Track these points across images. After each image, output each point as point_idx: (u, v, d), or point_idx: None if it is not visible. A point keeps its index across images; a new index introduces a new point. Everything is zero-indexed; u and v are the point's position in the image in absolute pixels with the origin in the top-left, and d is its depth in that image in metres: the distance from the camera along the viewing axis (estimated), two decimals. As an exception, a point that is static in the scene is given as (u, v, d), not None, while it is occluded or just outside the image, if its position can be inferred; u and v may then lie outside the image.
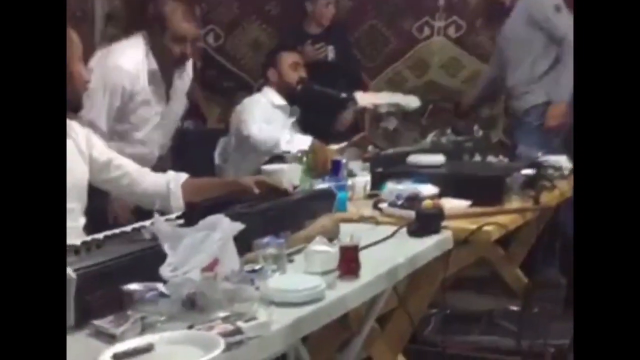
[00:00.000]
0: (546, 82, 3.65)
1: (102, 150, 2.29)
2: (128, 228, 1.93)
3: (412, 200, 2.35)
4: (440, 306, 2.96)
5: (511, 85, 3.79)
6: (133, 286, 1.49)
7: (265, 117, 3.56)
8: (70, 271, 1.44)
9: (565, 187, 2.85)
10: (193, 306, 1.50)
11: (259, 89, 3.88)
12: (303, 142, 3.32)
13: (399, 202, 2.37)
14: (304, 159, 2.84)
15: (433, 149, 3.06)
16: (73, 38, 2.11)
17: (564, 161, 3.10)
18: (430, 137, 3.37)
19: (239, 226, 1.60)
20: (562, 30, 3.53)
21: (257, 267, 1.66)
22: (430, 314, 3.11)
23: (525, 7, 3.66)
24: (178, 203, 2.25)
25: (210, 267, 1.57)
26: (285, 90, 3.66)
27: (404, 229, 2.14)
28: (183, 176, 2.33)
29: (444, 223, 2.19)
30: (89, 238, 1.89)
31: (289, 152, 3.15)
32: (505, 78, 3.82)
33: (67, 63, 2.06)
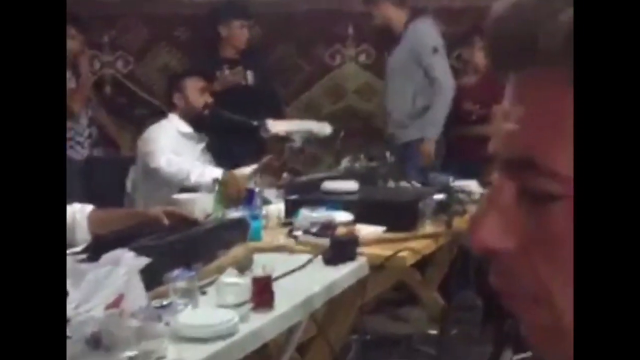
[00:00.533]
0: (423, 118, 3.86)
1: None
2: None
3: (327, 228, 2.31)
4: (360, 332, 2.93)
5: (394, 115, 3.99)
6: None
7: (173, 146, 3.43)
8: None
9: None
10: (98, 346, 1.41)
11: (165, 116, 3.78)
12: (215, 172, 3.24)
13: (314, 230, 2.34)
14: (216, 187, 2.77)
15: (347, 175, 3.04)
16: None
17: (474, 186, 3.15)
18: (343, 163, 3.36)
19: (144, 260, 1.53)
20: (436, 71, 3.77)
21: (165, 302, 1.59)
22: (350, 341, 3.07)
23: (410, 42, 3.84)
24: (84, 235, 2.15)
25: (116, 303, 1.50)
26: (191, 116, 3.55)
27: (319, 257, 2.10)
28: (89, 207, 2.23)
29: (359, 250, 2.17)
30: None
31: (201, 184, 3.06)
32: (389, 107, 4.03)
33: None
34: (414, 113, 3.89)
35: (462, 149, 3.87)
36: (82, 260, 1.63)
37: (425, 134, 3.83)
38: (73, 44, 4.22)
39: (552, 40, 0.42)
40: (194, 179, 3.23)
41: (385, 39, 4.09)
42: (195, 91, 3.55)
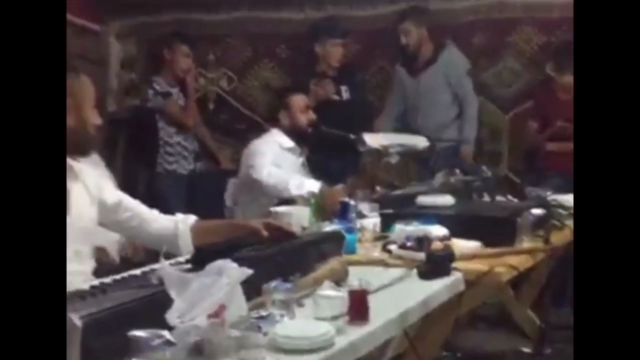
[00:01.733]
0: (451, 129, 4.32)
1: (111, 192, 2.26)
2: (137, 271, 1.89)
3: (422, 242, 2.29)
4: (452, 348, 2.87)
5: (419, 126, 4.29)
6: (139, 333, 1.44)
7: (274, 160, 3.52)
8: (75, 318, 1.40)
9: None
10: (200, 354, 1.45)
11: (267, 131, 3.85)
12: (312, 185, 3.28)
13: (409, 244, 2.31)
14: (312, 201, 2.80)
15: (442, 189, 3.00)
16: (86, 83, 2.10)
17: (572, 200, 3.04)
18: (438, 177, 3.32)
19: (246, 271, 1.55)
20: (467, 88, 4.33)
21: (264, 313, 1.61)
22: (442, 357, 3.02)
23: (444, 65, 4.33)
24: (187, 245, 2.21)
25: (218, 313, 1.52)
26: (295, 132, 3.63)
27: (414, 272, 2.08)
28: (192, 218, 2.29)
29: (455, 265, 2.13)
30: (97, 282, 1.85)
31: (299, 196, 3.10)
32: (420, 122, 4.36)
33: (79, 107, 2.05)
34: (446, 123, 4.32)
35: (558, 163, 3.91)
36: (187, 270, 1.67)
37: (463, 138, 4.28)
38: (185, 62, 4.37)
39: None
40: (293, 190, 3.29)
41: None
42: (300, 108, 3.63)
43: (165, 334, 1.43)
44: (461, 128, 4.31)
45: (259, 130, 4.68)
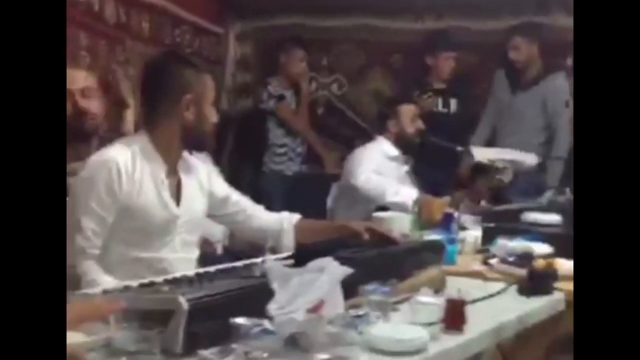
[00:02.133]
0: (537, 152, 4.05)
1: (221, 186, 2.35)
2: (239, 264, 1.96)
3: (525, 258, 2.26)
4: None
5: (500, 145, 4.10)
6: (240, 320, 1.50)
7: (377, 167, 3.56)
8: (182, 301, 1.47)
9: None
10: (296, 346, 1.49)
11: (373, 139, 3.89)
12: (410, 194, 3.29)
13: (510, 259, 2.29)
14: (415, 209, 2.81)
15: (549, 208, 2.95)
16: (207, 81, 2.17)
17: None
18: (547, 195, 3.25)
19: (347, 270, 1.59)
20: (563, 120, 4.06)
21: (361, 312, 1.64)
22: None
23: (545, 90, 4.14)
24: (289, 242, 2.27)
25: (316, 308, 1.56)
26: (402, 141, 3.66)
27: (514, 287, 2.06)
28: (296, 217, 2.35)
29: (557, 284, 2.09)
30: (202, 270, 1.94)
31: (395, 204, 3.11)
32: (497, 136, 4.18)
33: (199, 104, 2.13)
34: (529, 148, 4.00)
35: None
36: (289, 266, 1.72)
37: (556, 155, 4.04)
38: (300, 66, 4.45)
39: None
40: (388, 197, 3.31)
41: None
42: (408, 118, 3.66)
43: (265, 323, 1.49)
44: (546, 156, 4.06)
45: (364, 136, 4.74)
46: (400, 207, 2.85)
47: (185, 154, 2.22)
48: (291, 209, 2.42)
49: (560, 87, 4.16)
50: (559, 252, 2.37)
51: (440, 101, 4.21)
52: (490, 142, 4.18)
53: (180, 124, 2.11)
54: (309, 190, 3.80)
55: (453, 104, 4.28)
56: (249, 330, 1.49)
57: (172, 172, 2.17)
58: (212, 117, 2.18)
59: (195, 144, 2.22)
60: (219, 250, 3.14)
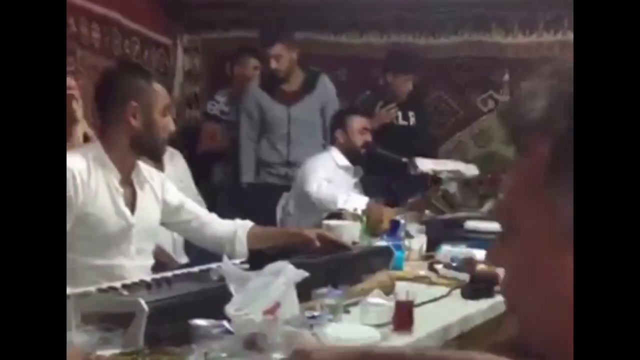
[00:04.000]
0: None
1: (175, 194, 2.37)
2: (196, 269, 2.01)
3: (467, 264, 2.36)
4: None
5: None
6: (199, 321, 1.55)
7: (328, 175, 3.63)
8: (142, 302, 1.51)
9: None
10: (253, 346, 1.54)
11: (325, 149, 3.96)
12: (359, 201, 3.37)
13: (454, 265, 2.39)
14: (363, 218, 2.89)
15: (489, 217, 3.06)
16: (159, 90, 2.20)
17: None
18: (487, 206, 3.38)
19: (302, 273, 1.65)
20: None
21: (315, 314, 1.70)
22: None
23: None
24: (243, 249, 2.31)
25: (272, 310, 1.62)
26: (349, 151, 3.74)
27: (458, 291, 2.16)
28: (249, 224, 2.40)
29: (497, 288, 2.19)
30: (159, 275, 1.97)
31: (344, 210, 3.17)
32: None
33: (148, 112, 2.15)
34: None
35: None
36: (247, 270, 1.78)
37: None
38: (254, 75, 4.35)
39: None
40: (340, 204, 3.37)
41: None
42: (357, 129, 3.73)
43: (225, 323, 1.54)
44: None
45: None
46: (353, 215, 2.92)
47: (140, 162, 2.25)
48: (242, 217, 2.46)
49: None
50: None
51: (394, 113, 4.27)
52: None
53: (128, 131, 2.13)
54: (260, 200, 3.84)
55: (412, 116, 4.36)
56: (209, 330, 1.54)
57: (127, 180, 2.19)
58: (167, 125, 2.20)
59: (147, 152, 2.25)
60: (174, 258, 3.16)
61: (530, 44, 4.63)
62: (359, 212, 2.97)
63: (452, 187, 3.38)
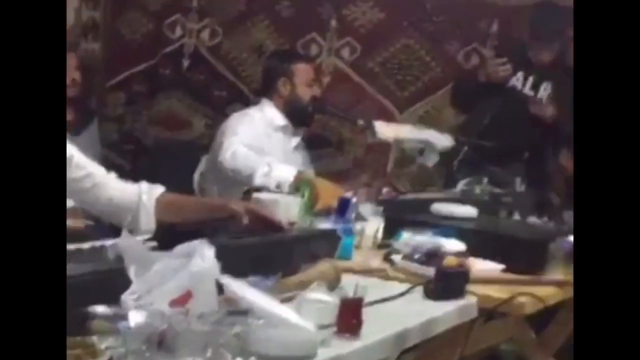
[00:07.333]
0: None
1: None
2: (87, 245, 1.98)
3: (432, 256, 2.39)
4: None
5: None
6: (100, 309, 1.53)
7: (254, 139, 3.55)
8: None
9: (619, 264, 2.89)
10: (159, 346, 1.53)
11: (255, 102, 3.91)
12: (286, 172, 3.31)
13: (416, 256, 2.42)
14: (305, 192, 2.89)
15: (464, 199, 3.11)
16: None
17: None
18: (461, 185, 3.42)
19: (225, 257, 1.64)
20: None
21: (238, 309, 1.70)
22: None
23: None
24: (150, 220, 2.27)
25: (182, 300, 1.61)
26: (293, 108, 3.69)
27: (420, 288, 2.19)
28: (159, 189, 2.35)
29: (469, 287, 2.23)
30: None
31: (264, 188, 3.10)
32: None
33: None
34: None
35: None
36: (153, 249, 1.76)
37: None
38: None
39: None
40: (257, 180, 3.31)
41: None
42: (304, 80, 3.69)
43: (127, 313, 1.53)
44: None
45: (242, 100, 4.78)
46: (291, 188, 2.91)
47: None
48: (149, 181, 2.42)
49: None
50: (472, 250, 2.52)
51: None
52: None
53: None
54: (172, 163, 3.80)
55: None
56: (112, 323, 1.52)
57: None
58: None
59: None
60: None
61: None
62: (286, 188, 2.95)
63: (432, 160, 3.39)
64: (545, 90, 4.30)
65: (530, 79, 4.26)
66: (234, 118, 3.71)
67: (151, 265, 1.66)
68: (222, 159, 3.47)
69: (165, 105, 5.19)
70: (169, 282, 1.62)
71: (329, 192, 2.95)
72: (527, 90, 4.28)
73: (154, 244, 1.89)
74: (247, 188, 3.19)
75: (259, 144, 3.56)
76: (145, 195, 2.32)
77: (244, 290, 1.67)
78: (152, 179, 2.42)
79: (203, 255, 1.65)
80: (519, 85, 4.27)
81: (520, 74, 4.25)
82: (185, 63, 5.22)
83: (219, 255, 1.71)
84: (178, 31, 5.23)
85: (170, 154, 3.98)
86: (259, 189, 3.06)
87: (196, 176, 3.76)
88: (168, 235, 1.93)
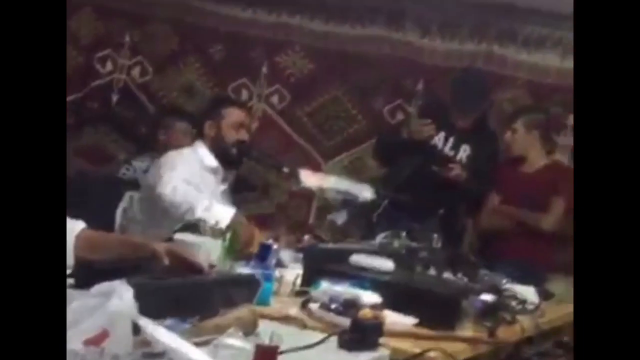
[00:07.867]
0: None
1: None
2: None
3: (349, 306, 2.40)
4: None
5: None
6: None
7: (189, 177, 3.56)
8: None
9: (527, 324, 2.94)
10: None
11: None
12: (223, 212, 3.33)
13: (333, 306, 2.42)
14: (227, 235, 2.87)
15: (382, 252, 3.12)
16: None
17: (531, 294, 3.20)
18: (380, 238, 3.44)
19: (142, 298, 1.62)
20: None
21: (153, 351, 1.68)
22: None
23: None
24: (68, 257, 2.24)
25: (97, 340, 1.59)
26: (218, 149, 3.69)
27: (335, 338, 2.18)
28: (79, 225, 2.32)
29: (382, 340, 2.24)
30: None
31: (202, 222, 3.11)
32: None
33: None
34: None
35: (518, 249, 4.24)
36: (71, 286, 1.73)
37: None
38: None
39: None
40: (198, 212, 3.31)
41: None
42: (231, 123, 3.70)
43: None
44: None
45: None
46: (213, 230, 2.89)
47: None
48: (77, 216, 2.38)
49: None
50: (388, 303, 2.54)
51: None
52: None
53: None
54: (93, 198, 3.74)
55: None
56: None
57: None
58: None
59: None
60: None
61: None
62: (222, 226, 2.94)
63: (341, 218, 3.42)
64: (464, 151, 4.39)
65: (451, 140, 4.36)
66: (170, 155, 3.70)
67: (69, 303, 1.63)
68: (161, 192, 3.47)
69: (92, 139, 5.14)
70: (85, 321, 1.60)
71: (253, 237, 2.93)
72: (448, 150, 4.38)
73: (71, 281, 1.85)
74: (178, 226, 3.19)
75: (195, 181, 3.57)
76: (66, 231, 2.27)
77: (159, 332, 1.65)
78: (73, 213, 2.37)
79: (121, 296, 1.64)
80: (440, 144, 4.36)
81: (442, 134, 4.34)
82: (114, 98, 5.18)
83: (138, 296, 1.69)
84: (109, 66, 5.19)
85: (92, 188, 3.91)
86: (187, 229, 3.06)
87: (119, 212, 3.71)
88: (86, 273, 1.90)
